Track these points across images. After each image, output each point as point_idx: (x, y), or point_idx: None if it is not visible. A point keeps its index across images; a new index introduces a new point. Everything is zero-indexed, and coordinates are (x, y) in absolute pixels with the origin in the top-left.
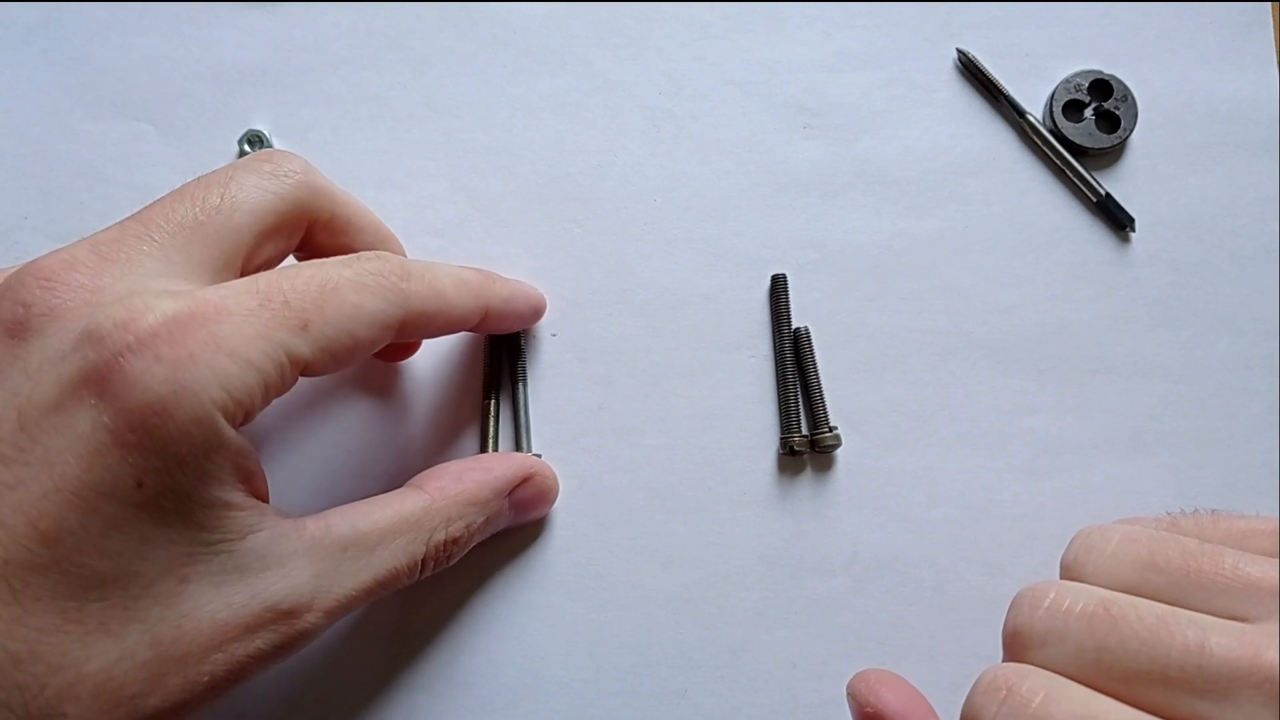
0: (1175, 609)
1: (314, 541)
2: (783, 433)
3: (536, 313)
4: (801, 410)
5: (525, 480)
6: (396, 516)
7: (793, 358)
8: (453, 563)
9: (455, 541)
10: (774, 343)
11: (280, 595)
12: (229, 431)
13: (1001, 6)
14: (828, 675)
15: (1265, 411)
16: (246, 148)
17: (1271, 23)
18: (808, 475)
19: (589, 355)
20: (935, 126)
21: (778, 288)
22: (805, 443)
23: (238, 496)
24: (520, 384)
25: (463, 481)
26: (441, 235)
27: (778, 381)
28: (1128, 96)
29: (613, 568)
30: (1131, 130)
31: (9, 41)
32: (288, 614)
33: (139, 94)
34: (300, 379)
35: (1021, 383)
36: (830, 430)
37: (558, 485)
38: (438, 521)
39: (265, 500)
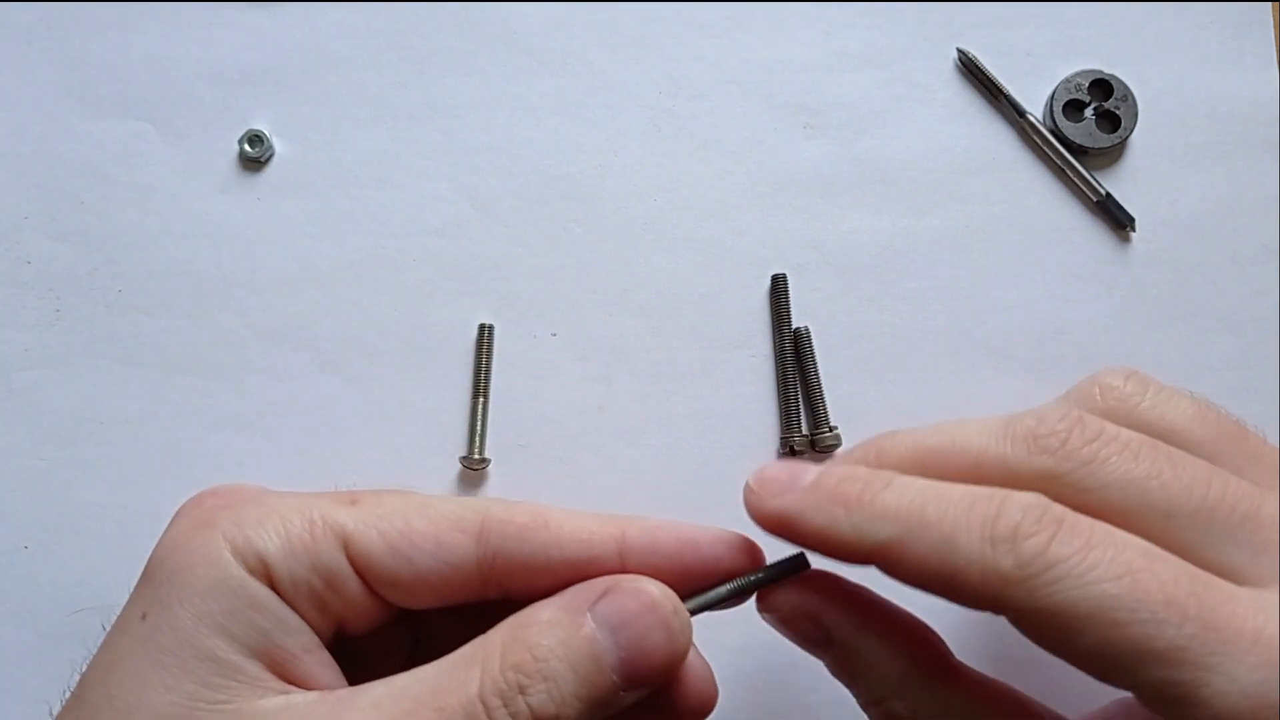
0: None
1: (338, 701)
2: (783, 432)
3: (704, 555)
4: (802, 410)
5: (609, 590)
6: (441, 662)
7: (793, 357)
8: (538, 712)
9: (519, 669)
10: (774, 342)
11: None
12: (238, 572)
13: (1002, 6)
14: (827, 675)
15: (1265, 411)
16: (247, 147)
17: (1272, 23)
18: None
19: (589, 354)
20: (936, 126)
21: (778, 287)
22: (805, 442)
23: (250, 666)
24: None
25: (527, 609)
26: (441, 234)
27: (778, 381)
28: (1128, 96)
29: None
30: (1132, 130)
31: (10, 41)
32: None
33: (139, 93)
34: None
35: (1021, 382)
36: (830, 430)
37: (668, 606)
38: (491, 649)
39: (313, 688)
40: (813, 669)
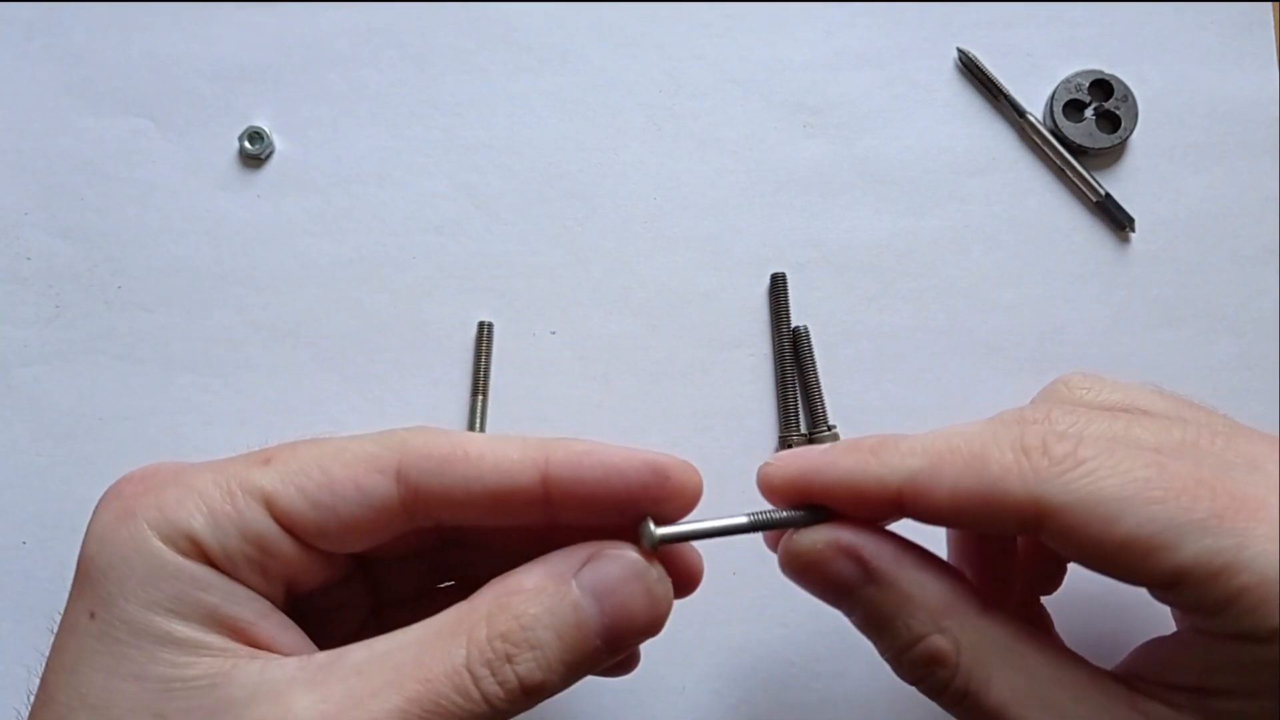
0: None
1: (319, 667)
2: (781, 431)
3: (631, 481)
4: (800, 409)
5: (593, 557)
6: (425, 626)
7: (792, 356)
8: (526, 680)
9: (505, 638)
10: (773, 341)
11: None
12: (171, 556)
13: (1002, 6)
14: (826, 674)
15: (1265, 411)
16: (247, 144)
17: (1272, 23)
18: None
19: (589, 353)
20: (936, 126)
21: (777, 286)
22: (804, 441)
23: (212, 638)
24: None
25: (510, 573)
26: (441, 232)
27: (776, 380)
28: (1128, 96)
29: None
30: (1132, 130)
31: (10, 38)
32: None
33: (139, 90)
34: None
35: (1021, 382)
36: (829, 429)
37: (651, 575)
38: (477, 618)
39: (278, 651)
40: (811, 667)
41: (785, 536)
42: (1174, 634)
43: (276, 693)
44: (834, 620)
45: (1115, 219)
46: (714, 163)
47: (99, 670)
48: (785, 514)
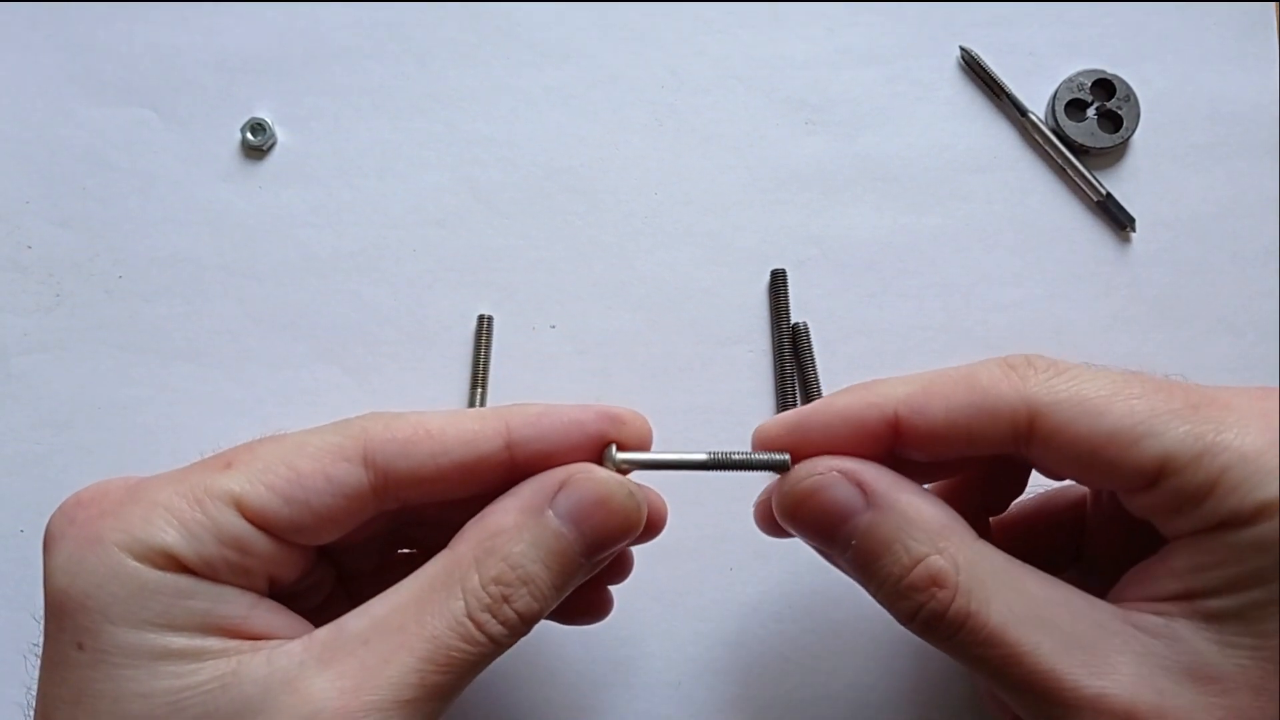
0: None
1: (324, 644)
2: None
3: (590, 432)
4: (799, 405)
5: (564, 485)
6: (414, 583)
7: (791, 353)
8: (525, 614)
9: (499, 581)
10: (772, 337)
11: (302, 713)
12: (150, 574)
13: (1005, 5)
14: (822, 670)
15: None
16: (249, 136)
17: (1275, 24)
18: None
19: (588, 347)
20: (937, 124)
21: (777, 283)
22: None
23: (210, 642)
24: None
25: (485, 515)
26: (442, 225)
27: (776, 376)
28: (1130, 96)
29: None
30: (1133, 130)
31: (13, 27)
32: None
33: (142, 81)
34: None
35: None
36: None
37: (622, 491)
38: (466, 566)
39: (277, 637)
40: (807, 663)
41: (781, 479)
42: (1158, 552)
43: (289, 680)
44: (830, 617)
45: (1116, 219)
46: (715, 159)
47: (104, 697)
48: (746, 454)
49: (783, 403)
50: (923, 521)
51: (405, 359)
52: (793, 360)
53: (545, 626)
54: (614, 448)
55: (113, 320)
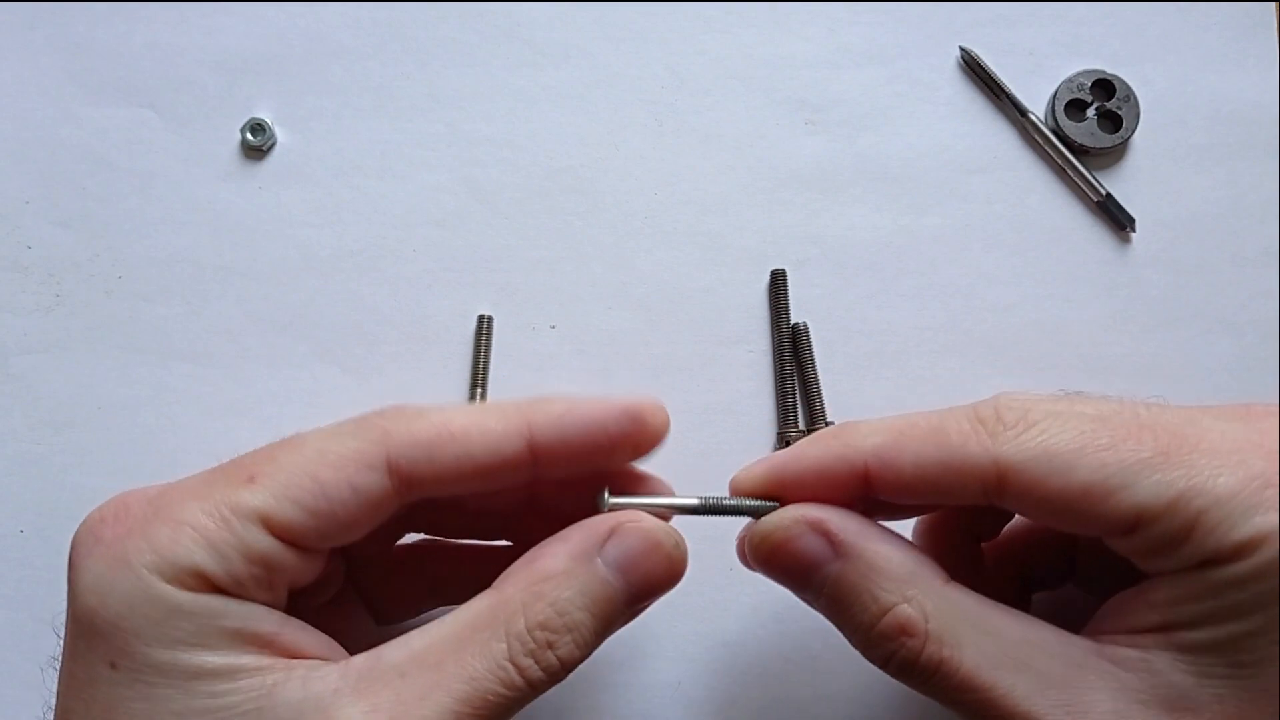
0: None
1: (360, 674)
2: (780, 427)
3: (613, 434)
4: (799, 405)
5: (614, 533)
6: (457, 620)
7: (791, 353)
8: (567, 661)
9: (545, 626)
10: (772, 337)
11: None
12: (182, 596)
13: (1005, 5)
14: (821, 671)
15: None
16: (249, 136)
17: (1275, 25)
18: None
19: (588, 348)
20: (937, 124)
21: (776, 283)
22: (802, 437)
23: (245, 659)
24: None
25: (534, 558)
26: (442, 225)
27: (775, 376)
28: (1130, 96)
29: None
30: (1133, 130)
31: (13, 27)
32: None
33: (142, 80)
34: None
35: (1020, 381)
36: (827, 425)
37: (669, 541)
38: (512, 609)
39: (306, 655)
40: (806, 664)
41: (748, 525)
42: (1135, 586)
43: (324, 708)
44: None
45: (1116, 219)
46: (715, 159)
47: (138, 716)
48: (736, 501)
49: (783, 404)
50: (890, 570)
51: (405, 359)
52: (793, 361)
53: None
54: (606, 493)
55: (113, 320)
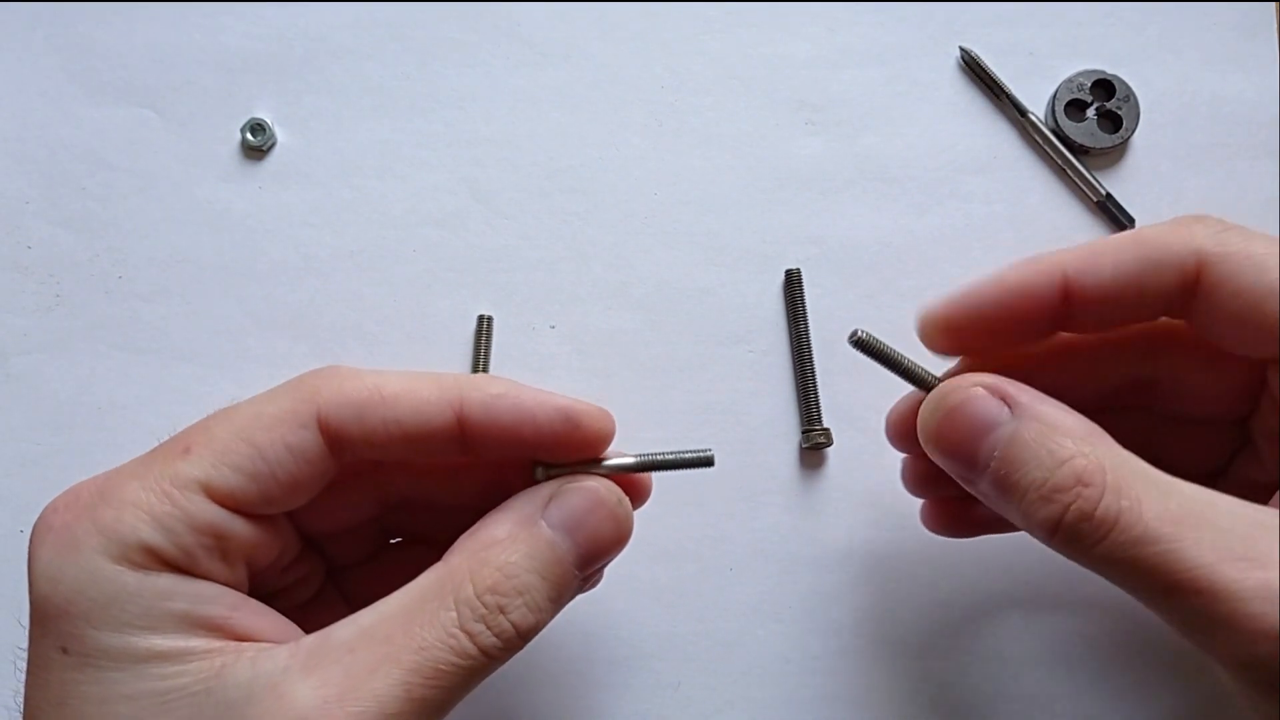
0: None
1: (310, 652)
2: (804, 426)
3: (541, 427)
4: (797, 405)
5: (555, 495)
6: (405, 594)
7: (809, 353)
8: (520, 625)
9: (494, 590)
10: (790, 336)
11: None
12: (130, 576)
13: (1005, 6)
14: (821, 670)
15: None
16: (249, 136)
17: (1275, 24)
18: (804, 471)
19: (587, 348)
20: (937, 124)
21: (792, 282)
22: (825, 435)
23: (194, 642)
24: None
25: (478, 528)
26: (442, 225)
27: (795, 376)
28: (1130, 97)
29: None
30: (1133, 130)
31: (13, 27)
32: None
33: (142, 80)
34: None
35: None
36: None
37: (612, 498)
38: (460, 577)
39: (261, 638)
40: (806, 663)
41: (929, 395)
42: None
43: (273, 685)
44: (830, 617)
45: (1116, 219)
46: (715, 159)
47: (90, 699)
48: (675, 454)
49: (805, 404)
50: (1067, 428)
51: (405, 359)
52: (811, 362)
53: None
54: (539, 467)
55: (112, 320)
